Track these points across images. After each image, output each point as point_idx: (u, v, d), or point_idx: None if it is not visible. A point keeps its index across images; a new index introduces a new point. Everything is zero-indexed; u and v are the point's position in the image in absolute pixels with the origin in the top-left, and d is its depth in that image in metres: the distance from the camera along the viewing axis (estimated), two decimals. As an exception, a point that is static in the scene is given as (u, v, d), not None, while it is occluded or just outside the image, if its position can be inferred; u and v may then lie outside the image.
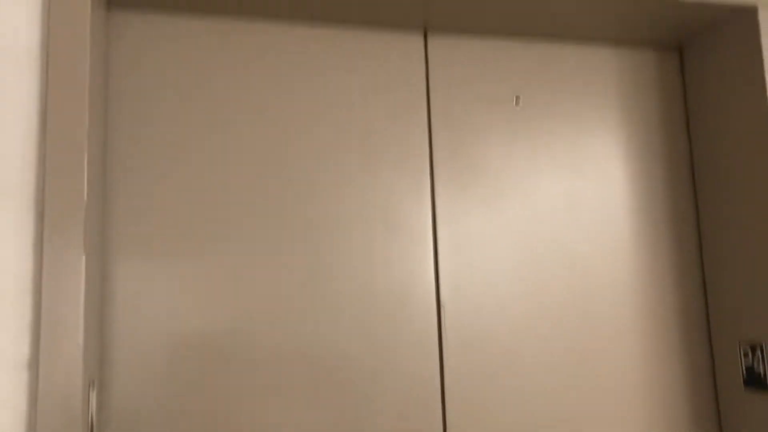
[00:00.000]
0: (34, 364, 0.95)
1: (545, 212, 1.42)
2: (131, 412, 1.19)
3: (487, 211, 1.40)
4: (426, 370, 1.32)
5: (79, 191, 0.97)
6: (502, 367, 1.35)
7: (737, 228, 1.35)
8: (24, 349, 0.96)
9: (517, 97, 1.44)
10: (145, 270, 1.21)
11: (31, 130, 1.00)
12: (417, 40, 1.41)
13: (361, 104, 1.36)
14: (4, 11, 1.01)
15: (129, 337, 1.20)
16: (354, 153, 1.34)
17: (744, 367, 1.31)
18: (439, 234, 1.37)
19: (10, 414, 0.94)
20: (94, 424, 1.09)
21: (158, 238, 1.22)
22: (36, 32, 1.02)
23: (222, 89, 1.29)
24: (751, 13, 1.33)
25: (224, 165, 1.27)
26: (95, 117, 1.08)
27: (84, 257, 0.96)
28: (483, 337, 1.35)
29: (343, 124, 1.34)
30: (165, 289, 1.22)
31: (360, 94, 1.36)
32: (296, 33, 1.34)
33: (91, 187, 1.01)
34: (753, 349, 1.29)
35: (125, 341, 1.19)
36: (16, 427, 0.94)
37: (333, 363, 1.28)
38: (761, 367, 1.27)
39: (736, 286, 1.35)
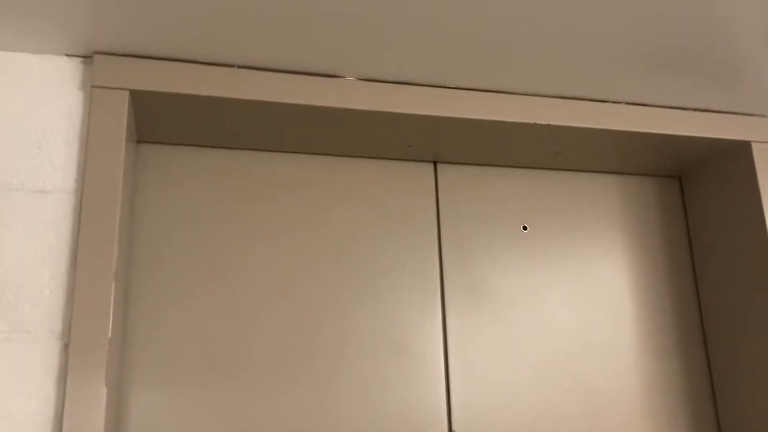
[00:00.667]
0: (52, 497, 0.96)
1: (554, 333, 1.44)
2: None
3: (498, 333, 1.42)
4: (437, 497, 1.31)
5: (104, 326, 1.01)
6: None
7: (744, 349, 1.37)
8: (42, 482, 0.97)
9: (525, 227, 1.50)
10: (161, 397, 1.23)
11: (61, 264, 1.05)
12: (427, 169, 1.48)
13: (373, 230, 1.42)
14: (43, 152, 1.09)
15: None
16: (365, 278, 1.38)
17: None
18: (450, 358, 1.39)
19: None
20: None
21: (175, 367, 1.25)
22: (72, 171, 1.09)
23: (239, 218, 1.35)
24: (745, 146, 1.40)
25: (237, 293, 1.31)
26: (123, 253, 1.13)
27: (105, 390, 0.99)
28: (494, 463, 1.35)
29: (355, 250, 1.39)
30: (181, 416, 1.23)
31: (372, 221, 1.42)
32: (311, 163, 1.42)
33: (115, 320, 1.06)
34: None
35: (138, 468, 1.20)
36: None
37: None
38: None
39: (747, 410, 1.35)
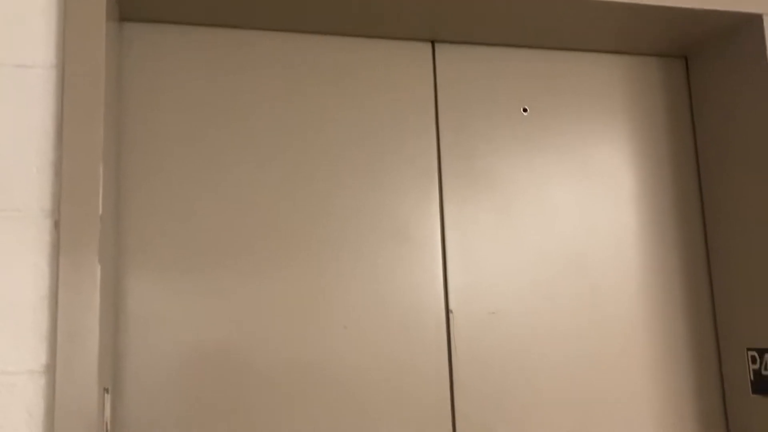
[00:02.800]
0: (51, 371, 0.97)
1: (554, 218, 1.43)
2: (145, 419, 1.21)
3: (496, 217, 1.41)
4: (435, 378, 1.33)
5: (94, 203, 0.99)
6: (512, 374, 1.36)
7: (744, 234, 1.36)
8: (41, 356, 0.98)
9: (525, 108, 1.46)
10: (158, 282, 1.23)
11: (48, 143, 1.02)
12: (425, 49, 1.43)
13: (369, 114, 1.38)
14: (22, 27, 1.04)
15: (143, 347, 1.22)
16: (362, 163, 1.36)
17: (751, 372, 1.32)
18: (448, 242, 1.38)
19: (27, 419, 0.97)
20: (109, 430, 1.11)
21: (172, 251, 1.24)
22: (52, 47, 1.04)
23: (231, 99, 1.31)
24: (757, 20, 1.34)
25: (232, 176, 1.29)
26: (110, 129, 1.10)
27: (99, 267, 0.99)
28: (493, 344, 1.36)
29: (351, 135, 1.36)
30: (178, 301, 1.24)
31: (368, 104, 1.38)
32: (305, 43, 1.36)
33: (106, 198, 1.04)
34: (761, 354, 1.30)
35: (139, 351, 1.21)
36: (33, 432, 0.96)
37: (341, 373, 1.30)
38: (768, 372, 1.28)
39: (743, 291, 1.36)
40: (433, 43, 1.43)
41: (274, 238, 1.29)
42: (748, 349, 1.33)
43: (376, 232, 1.35)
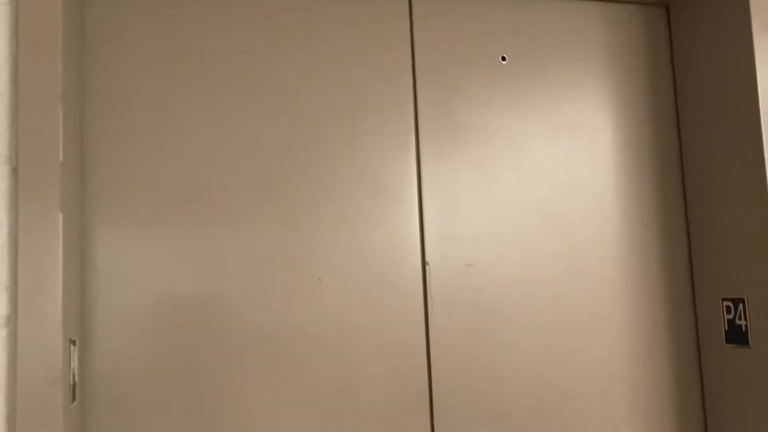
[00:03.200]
0: (13, 322, 0.94)
1: (531, 169, 1.41)
2: (114, 370, 1.18)
3: (474, 170, 1.38)
4: (411, 330, 1.32)
5: (54, 148, 0.95)
6: (488, 325, 1.35)
7: (723, 184, 1.35)
8: (2, 307, 0.95)
9: (503, 57, 1.42)
10: (128, 233, 1.19)
11: (3, 86, 0.97)
12: (402, 2, 1.39)
13: (345, 66, 1.34)
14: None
15: (112, 299, 1.19)
16: (338, 115, 1.32)
17: (726, 322, 1.32)
18: (425, 195, 1.36)
19: (-10, 372, 0.94)
20: (77, 381, 1.09)
21: (141, 200, 1.21)
22: (6, -15, 0.99)
23: (204, 56, 1.26)
24: (739, -34, 1.31)
25: (205, 130, 1.25)
26: (70, 70, 1.05)
27: (61, 215, 0.95)
28: (469, 296, 1.35)
29: (327, 87, 1.32)
30: (149, 253, 1.21)
31: (344, 57, 1.34)
32: (277, -11, 1.31)
33: (67, 147, 1.00)
34: (735, 304, 1.30)
35: (108, 303, 1.18)
36: (-4, 385, 0.93)
37: (316, 325, 1.28)
38: (743, 321, 1.28)
39: (720, 241, 1.35)
40: (409, -11, 1.39)
41: (248, 190, 1.26)
42: (723, 299, 1.33)
43: (353, 185, 1.32)
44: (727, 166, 1.34)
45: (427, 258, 1.35)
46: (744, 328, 1.27)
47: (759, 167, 1.25)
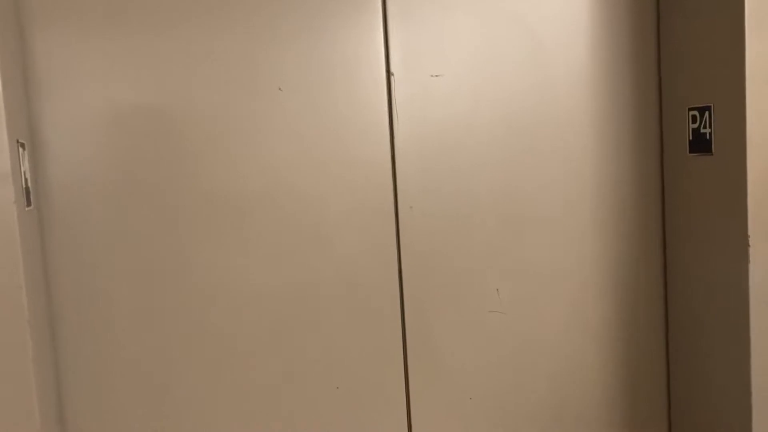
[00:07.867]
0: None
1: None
2: (70, 180, 1.16)
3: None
4: (376, 144, 1.30)
5: None
6: (455, 136, 1.33)
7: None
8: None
9: None
10: (76, 38, 1.14)
11: None
12: None
13: None
14: None
15: (62, 105, 1.14)
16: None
17: (690, 132, 1.32)
18: (389, 3, 1.29)
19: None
20: (30, 186, 1.06)
21: (89, 3, 1.12)
22: None
23: None
24: None
25: None
26: None
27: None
28: (436, 107, 1.32)
29: None
30: (98, 58, 1.15)
31: None
32: None
33: None
34: (701, 113, 1.29)
35: (59, 108, 1.14)
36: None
37: (274, 137, 1.25)
38: (708, 129, 1.27)
39: (689, 49, 1.32)
40: None
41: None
42: (690, 109, 1.32)
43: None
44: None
45: (392, 68, 1.30)
46: (708, 136, 1.27)
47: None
